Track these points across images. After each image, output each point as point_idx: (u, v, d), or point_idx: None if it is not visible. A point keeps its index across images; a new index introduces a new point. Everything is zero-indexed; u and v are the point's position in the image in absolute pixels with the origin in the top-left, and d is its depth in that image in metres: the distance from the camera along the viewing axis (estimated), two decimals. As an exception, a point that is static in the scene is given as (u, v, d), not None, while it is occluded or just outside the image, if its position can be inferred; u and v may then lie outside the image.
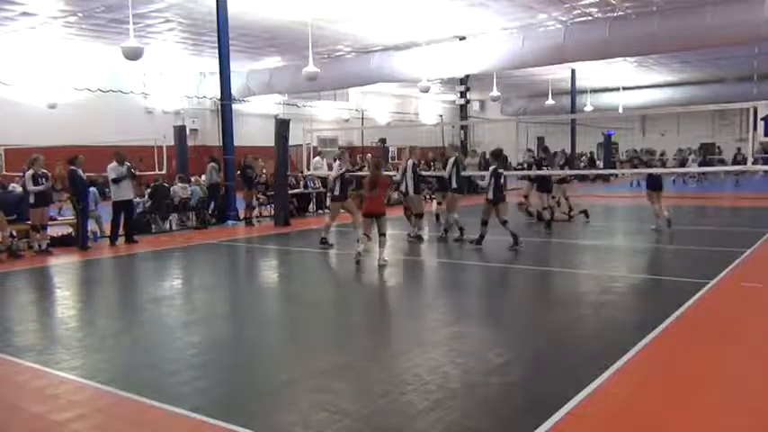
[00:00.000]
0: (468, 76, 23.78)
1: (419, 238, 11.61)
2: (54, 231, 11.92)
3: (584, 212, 14.15)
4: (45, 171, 11.26)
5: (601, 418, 3.86)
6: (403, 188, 11.82)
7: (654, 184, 12.24)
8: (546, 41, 18.54)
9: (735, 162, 25.35)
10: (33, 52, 20.06)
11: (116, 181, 11.88)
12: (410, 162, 11.59)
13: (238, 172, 15.56)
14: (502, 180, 10.50)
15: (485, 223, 10.45)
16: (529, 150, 19.72)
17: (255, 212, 16.84)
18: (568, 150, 32.36)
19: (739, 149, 27.58)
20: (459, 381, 4.47)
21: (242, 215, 15.26)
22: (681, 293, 6.82)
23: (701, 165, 27.32)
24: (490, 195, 10.32)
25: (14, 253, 10.65)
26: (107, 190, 18.30)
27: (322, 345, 5.56)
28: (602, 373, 4.45)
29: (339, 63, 22.77)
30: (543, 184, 13.35)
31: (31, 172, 11.00)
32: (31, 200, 10.95)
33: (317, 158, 18.47)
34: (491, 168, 10.57)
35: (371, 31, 19.49)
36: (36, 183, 10.93)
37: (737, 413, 3.93)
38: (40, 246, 11.00)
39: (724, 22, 15.64)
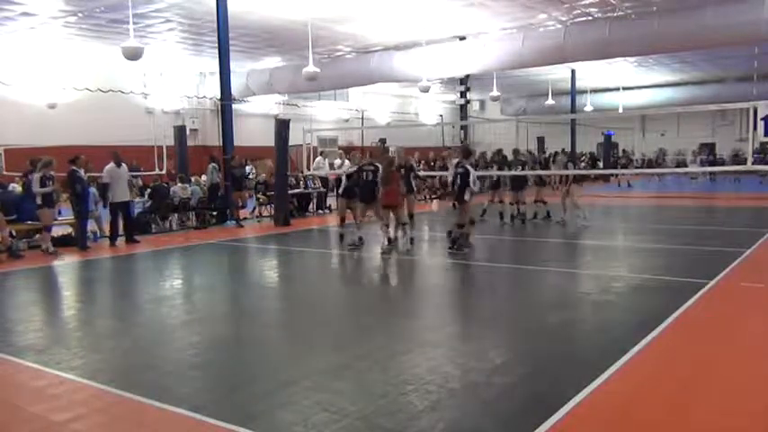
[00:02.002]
0: (468, 76, 23.77)
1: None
2: (54, 231, 11.92)
3: (548, 213, 14.28)
4: (52, 173, 11.22)
5: (601, 418, 3.86)
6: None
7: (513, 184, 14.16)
8: (546, 41, 18.53)
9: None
10: (33, 52, 20.05)
11: (108, 185, 11.87)
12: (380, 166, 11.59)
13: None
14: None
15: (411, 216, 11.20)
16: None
17: (255, 212, 16.90)
18: (568, 149, 32.53)
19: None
20: (459, 381, 4.48)
21: (236, 216, 15.23)
22: (681, 293, 6.82)
23: (710, 165, 27.35)
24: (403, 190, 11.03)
25: (14, 253, 10.64)
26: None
27: (322, 345, 5.56)
28: (602, 374, 4.45)
29: (339, 63, 22.77)
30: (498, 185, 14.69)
31: (38, 175, 10.94)
32: (39, 201, 10.91)
33: (319, 158, 18.48)
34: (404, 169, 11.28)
35: (371, 31, 19.48)
36: (43, 185, 10.90)
37: (737, 413, 3.93)
38: (47, 249, 10.94)
39: (724, 22, 15.63)
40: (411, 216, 11.52)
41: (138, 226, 13.06)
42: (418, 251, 10.74)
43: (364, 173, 10.64)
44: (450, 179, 10.58)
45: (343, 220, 11.73)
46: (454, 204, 10.50)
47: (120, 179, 12.07)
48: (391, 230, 10.79)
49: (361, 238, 11.03)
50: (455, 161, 11.66)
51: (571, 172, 14.45)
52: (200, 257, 11.21)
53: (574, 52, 18.44)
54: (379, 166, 10.86)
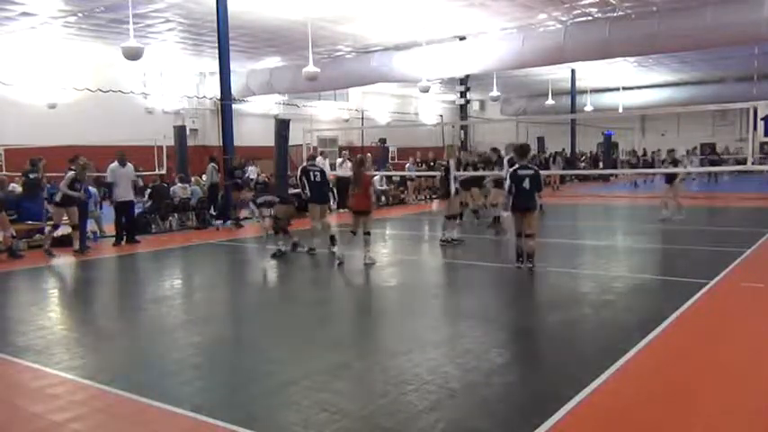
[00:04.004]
0: (468, 76, 23.77)
1: (450, 242, 10.82)
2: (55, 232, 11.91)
3: (476, 213, 14.03)
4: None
5: (601, 418, 3.86)
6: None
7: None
8: (546, 41, 18.53)
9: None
10: (33, 52, 20.05)
11: (112, 184, 11.87)
12: (452, 162, 10.97)
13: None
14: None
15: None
16: None
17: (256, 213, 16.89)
18: (568, 150, 32.59)
19: None
20: (459, 381, 4.48)
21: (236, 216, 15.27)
22: (681, 293, 6.82)
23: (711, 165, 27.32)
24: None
25: (14, 253, 10.65)
26: (106, 190, 18.37)
27: (322, 345, 5.56)
28: (602, 373, 4.45)
29: (339, 63, 22.76)
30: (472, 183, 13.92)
31: (72, 175, 10.90)
32: (57, 198, 10.87)
33: (319, 159, 18.49)
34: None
35: (371, 31, 19.48)
36: (72, 187, 10.85)
37: (737, 413, 3.93)
38: (44, 247, 10.97)
39: (724, 22, 15.63)
40: (452, 217, 10.98)
41: (139, 226, 13.06)
42: (419, 251, 10.73)
43: (311, 173, 10.22)
44: (507, 184, 8.63)
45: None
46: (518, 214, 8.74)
47: (122, 179, 12.05)
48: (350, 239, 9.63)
49: (295, 245, 10.51)
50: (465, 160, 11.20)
51: (569, 172, 14.41)
52: (199, 258, 11.21)
53: (574, 52, 18.43)
54: (323, 168, 10.68)
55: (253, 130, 24.33)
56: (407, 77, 21.57)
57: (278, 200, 10.76)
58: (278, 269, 10.03)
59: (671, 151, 15.89)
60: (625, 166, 31.63)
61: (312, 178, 10.22)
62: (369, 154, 22.07)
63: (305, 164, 10.54)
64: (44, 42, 19.07)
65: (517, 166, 8.70)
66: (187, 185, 15.29)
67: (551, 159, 30.32)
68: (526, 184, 8.41)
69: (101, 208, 13.42)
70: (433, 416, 3.84)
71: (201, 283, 8.96)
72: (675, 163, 15.03)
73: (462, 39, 20.21)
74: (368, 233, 9.31)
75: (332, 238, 10.60)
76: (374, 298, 7.83)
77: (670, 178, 13.70)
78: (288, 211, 10.49)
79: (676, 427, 3.74)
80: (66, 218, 11.05)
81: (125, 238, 12.08)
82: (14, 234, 11.17)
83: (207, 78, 25.49)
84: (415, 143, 28.55)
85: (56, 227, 11.17)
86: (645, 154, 30.17)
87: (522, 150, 8.86)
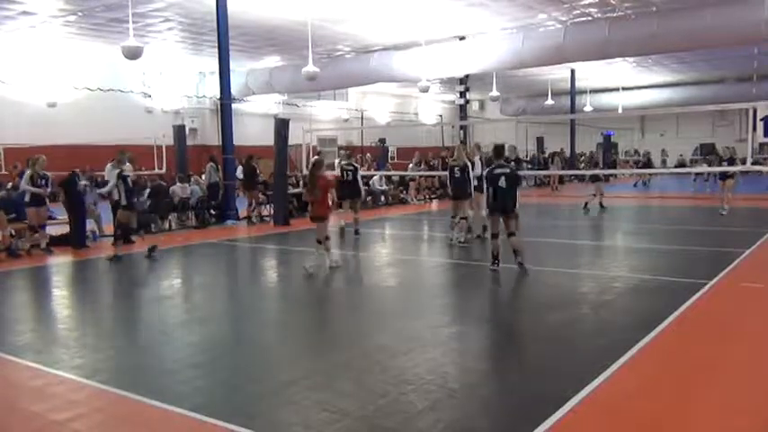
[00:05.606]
0: (467, 76, 23.77)
1: (463, 243, 10.72)
2: (54, 231, 11.92)
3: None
4: (45, 172, 11.26)
5: (601, 418, 3.86)
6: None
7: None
8: (546, 41, 18.52)
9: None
10: (33, 52, 20.04)
11: (107, 183, 11.89)
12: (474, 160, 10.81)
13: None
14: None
15: None
16: None
17: (255, 212, 16.90)
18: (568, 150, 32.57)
19: None
20: (459, 381, 4.47)
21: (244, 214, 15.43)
22: (681, 293, 6.82)
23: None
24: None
25: (14, 252, 10.65)
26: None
27: (322, 344, 5.55)
28: (602, 373, 4.45)
29: (339, 63, 22.75)
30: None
31: (29, 173, 11.00)
32: (26, 198, 10.97)
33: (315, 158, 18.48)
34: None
35: (371, 31, 19.48)
36: (34, 184, 10.92)
37: (738, 413, 3.93)
38: (40, 246, 10.99)
39: (724, 22, 15.62)
40: (464, 218, 10.82)
41: (138, 226, 13.00)
42: (419, 251, 10.72)
43: (344, 172, 11.96)
44: (486, 186, 8.59)
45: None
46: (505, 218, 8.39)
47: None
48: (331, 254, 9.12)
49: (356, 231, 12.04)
50: (475, 160, 10.98)
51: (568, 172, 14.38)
52: (199, 257, 11.19)
53: (574, 52, 18.43)
54: (358, 166, 12.35)
55: (252, 129, 24.33)
56: (407, 77, 21.56)
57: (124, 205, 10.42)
58: (278, 269, 10.04)
59: (727, 148, 16.05)
60: (626, 167, 31.58)
61: (345, 177, 11.84)
62: (369, 153, 22.10)
63: (342, 163, 12.39)
64: (44, 41, 19.07)
65: (493, 165, 8.68)
66: (187, 185, 15.28)
67: (550, 159, 30.28)
68: (502, 182, 8.32)
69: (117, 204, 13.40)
70: (433, 416, 3.84)
71: (201, 283, 8.95)
72: (732, 162, 15.14)
73: (462, 39, 20.20)
74: (326, 238, 8.90)
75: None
76: (374, 298, 7.81)
77: (727, 176, 14.27)
78: (129, 217, 10.53)
79: (676, 426, 3.74)
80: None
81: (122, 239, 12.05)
82: (13, 233, 11.17)
83: (207, 78, 25.49)
84: (414, 143, 28.55)
85: (43, 227, 11.21)
86: (638, 153, 30.16)
87: (497, 151, 8.85)
